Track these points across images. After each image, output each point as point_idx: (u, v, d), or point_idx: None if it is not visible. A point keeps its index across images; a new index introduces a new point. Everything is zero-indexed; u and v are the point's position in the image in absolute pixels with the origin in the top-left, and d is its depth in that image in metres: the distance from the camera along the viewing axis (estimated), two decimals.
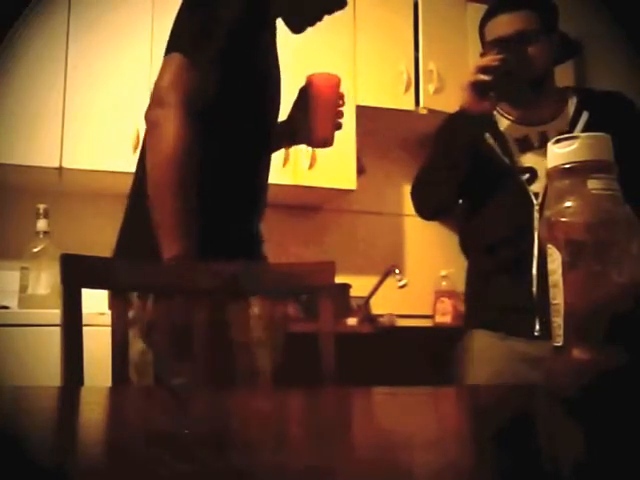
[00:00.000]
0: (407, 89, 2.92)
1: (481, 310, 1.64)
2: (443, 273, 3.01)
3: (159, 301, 1.11)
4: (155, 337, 1.09)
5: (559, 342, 0.61)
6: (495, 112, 1.64)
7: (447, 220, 3.22)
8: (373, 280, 2.90)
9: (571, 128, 1.57)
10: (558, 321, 0.61)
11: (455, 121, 1.63)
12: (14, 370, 1.88)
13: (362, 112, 2.78)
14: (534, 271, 1.50)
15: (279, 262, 1.25)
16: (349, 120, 2.64)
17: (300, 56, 2.48)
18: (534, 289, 1.50)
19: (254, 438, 0.45)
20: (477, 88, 1.54)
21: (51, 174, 2.46)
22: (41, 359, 1.86)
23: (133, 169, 1.29)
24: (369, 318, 2.74)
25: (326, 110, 1.38)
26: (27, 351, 1.93)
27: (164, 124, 1.14)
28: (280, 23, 1.38)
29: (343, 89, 1.42)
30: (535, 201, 1.53)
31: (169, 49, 1.20)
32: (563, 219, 0.61)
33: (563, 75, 1.75)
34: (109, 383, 1.02)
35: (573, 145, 0.61)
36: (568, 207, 0.61)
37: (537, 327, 1.49)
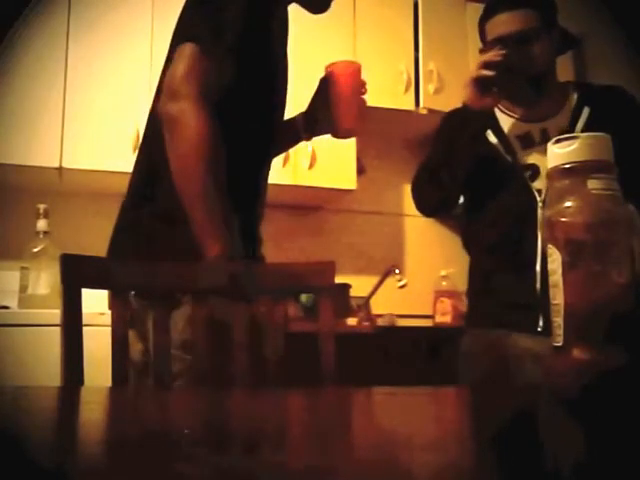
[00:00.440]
0: (407, 89, 2.92)
1: (484, 306, 1.64)
2: (443, 273, 3.01)
3: (160, 301, 1.10)
4: (156, 337, 1.09)
5: (559, 342, 0.61)
6: (496, 110, 1.65)
7: (447, 220, 3.22)
8: (373, 280, 2.90)
9: (572, 124, 1.57)
10: (558, 321, 0.61)
11: (456, 117, 1.64)
12: (14, 370, 1.88)
13: None
14: (537, 267, 1.50)
15: (279, 262, 1.25)
16: None
17: (300, 56, 2.48)
18: (538, 285, 1.50)
19: (254, 438, 0.45)
20: (480, 84, 1.55)
21: (51, 174, 2.47)
22: (41, 359, 1.86)
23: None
24: (369, 318, 2.74)
25: (349, 99, 1.35)
26: (27, 351, 1.93)
27: (184, 119, 1.09)
28: (290, 18, 1.36)
29: None
30: (538, 197, 1.53)
31: (180, 39, 1.16)
32: (563, 219, 0.61)
33: (562, 70, 1.75)
34: (109, 383, 1.02)
35: (573, 145, 0.61)
36: (568, 207, 0.61)
37: (540, 323, 1.49)
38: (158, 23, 2.54)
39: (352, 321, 2.65)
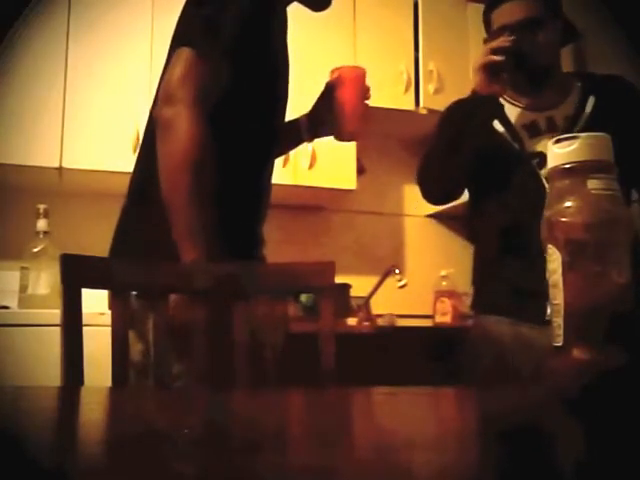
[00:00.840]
0: (407, 89, 2.92)
1: (490, 294, 1.64)
2: (443, 273, 3.01)
3: (159, 301, 1.10)
4: (156, 337, 1.09)
5: (559, 342, 0.61)
6: (502, 99, 1.65)
7: (447, 220, 3.22)
8: (373, 280, 2.90)
9: (577, 112, 1.59)
10: (558, 321, 0.61)
11: (463, 107, 1.64)
12: (14, 370, 1.88)
13: None
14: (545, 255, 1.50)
15: (279, 262, 1.25)
16: None
17: (300, 56, 2.47)
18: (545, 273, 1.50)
19: (254, 438, 0.45)
20: (489, 70, 1.55)
21: (51, 174, 2.47)
22: (41, 359, 1.86)
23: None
24: (369, 318, 2.74)
25: (354, 103, 1.37)
26: (27, 351, 1.93)
27: (177, 123, 1.10)
28: (290, 18, 1.36)
29: None
30: (546, 184, 1.53)
31: (177, 43, 1.17)
32: (563, 219, 0.61)
33: (563, 65, 1.76)
34: (109, 383, 1.02)
35: (573, 145, 0.61)
36: (568, 207, 0.61)
37: (548, 312, 1.49)
38: (158, 23, 2.54)
39: (352, 321, 2.65)
